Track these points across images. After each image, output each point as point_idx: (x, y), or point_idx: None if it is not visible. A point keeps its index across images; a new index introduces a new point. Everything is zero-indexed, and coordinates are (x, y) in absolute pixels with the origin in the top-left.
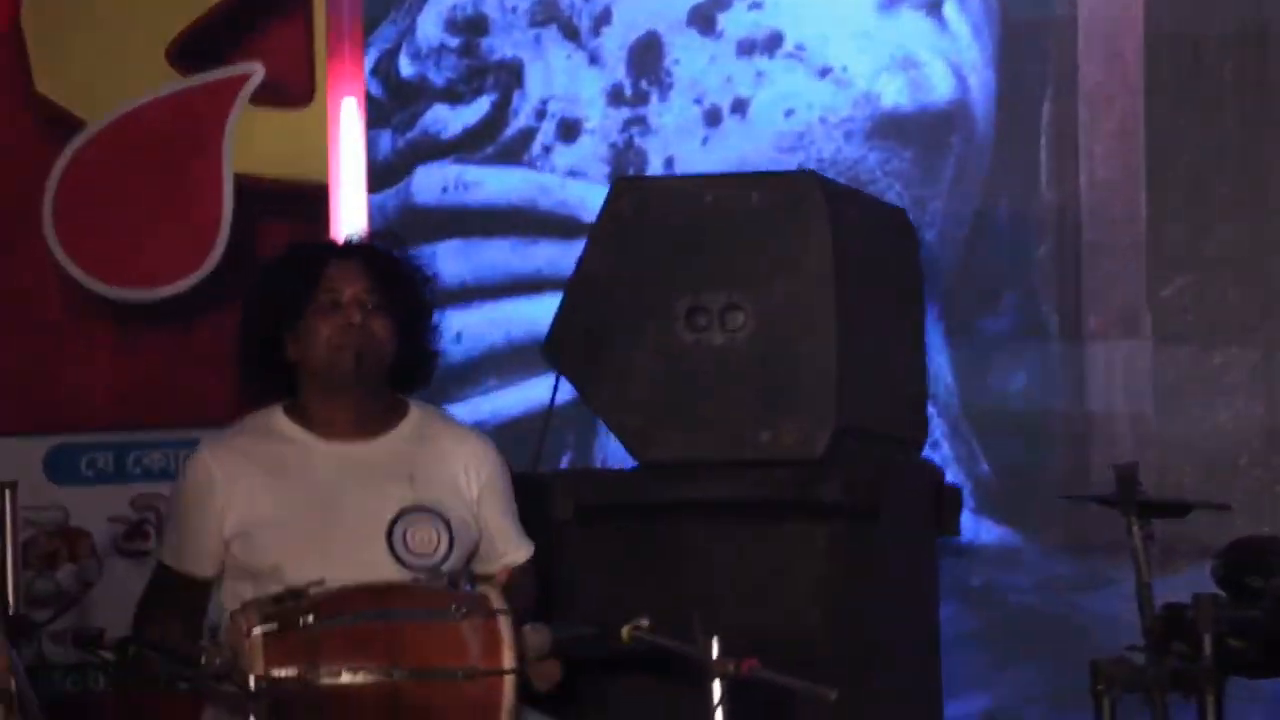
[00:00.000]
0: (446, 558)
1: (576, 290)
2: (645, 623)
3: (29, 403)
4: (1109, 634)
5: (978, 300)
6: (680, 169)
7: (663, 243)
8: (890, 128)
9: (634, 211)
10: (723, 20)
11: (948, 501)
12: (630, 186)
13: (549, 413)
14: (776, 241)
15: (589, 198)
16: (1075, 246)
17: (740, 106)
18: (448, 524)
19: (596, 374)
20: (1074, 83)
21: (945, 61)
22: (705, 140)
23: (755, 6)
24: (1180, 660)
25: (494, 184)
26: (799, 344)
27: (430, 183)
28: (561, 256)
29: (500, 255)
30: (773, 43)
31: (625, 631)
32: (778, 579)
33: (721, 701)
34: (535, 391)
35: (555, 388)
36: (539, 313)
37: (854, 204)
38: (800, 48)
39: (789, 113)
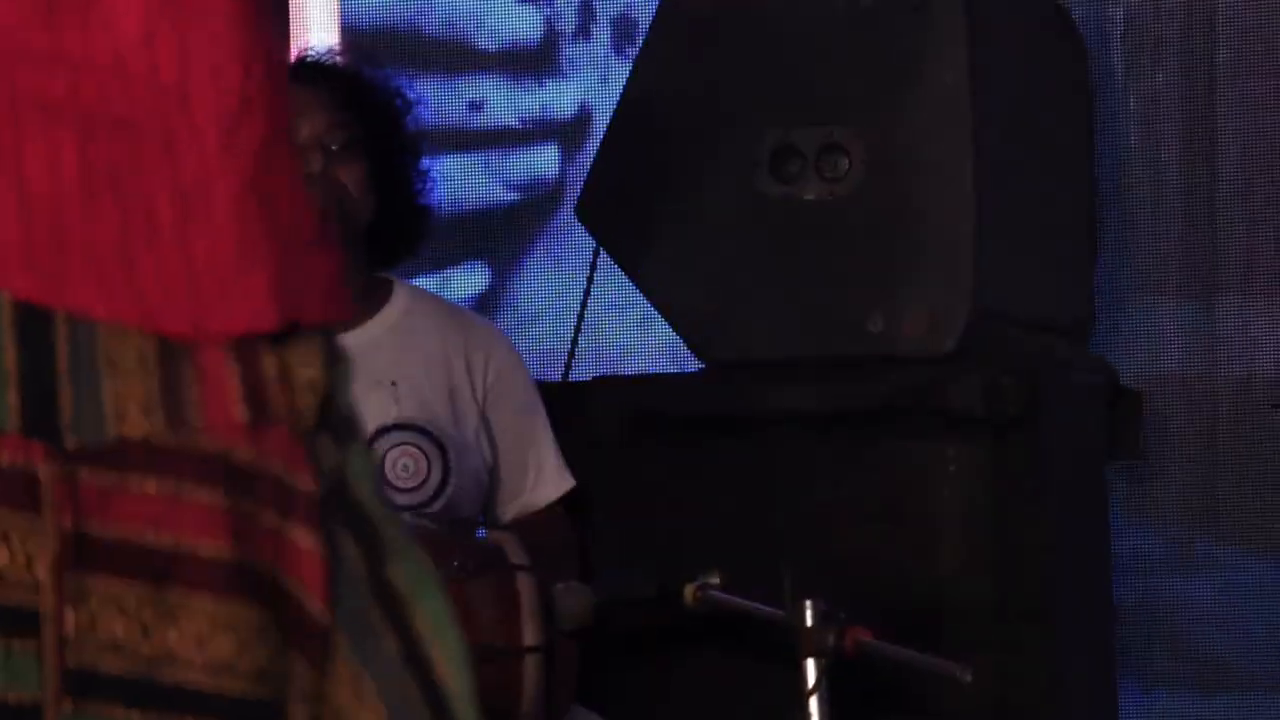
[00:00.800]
0: (440, 492)
1: (622, 128)
2: (715, 579)
3: None
4: (1199, 627)
5: None
6: None
7: (739, 61)
8: None
9: (700, 18)
10: None
11: (1123, 410)
12: None
13: (585, 300)
14: (895, 56)
15: (488, 16)
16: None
17: None
18: (440, 446)
19: (647, 242)
20: None
21: None
22: None
23: None
24: None
25: None
26: (924, 197)
27: None
28: (447, 99)
29: None
30: None
31: (689, 591)
32: (895, 516)
33: (819, 684)
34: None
35: (593, 264)
36: None
37: (1000, 1)
38: None
39: None
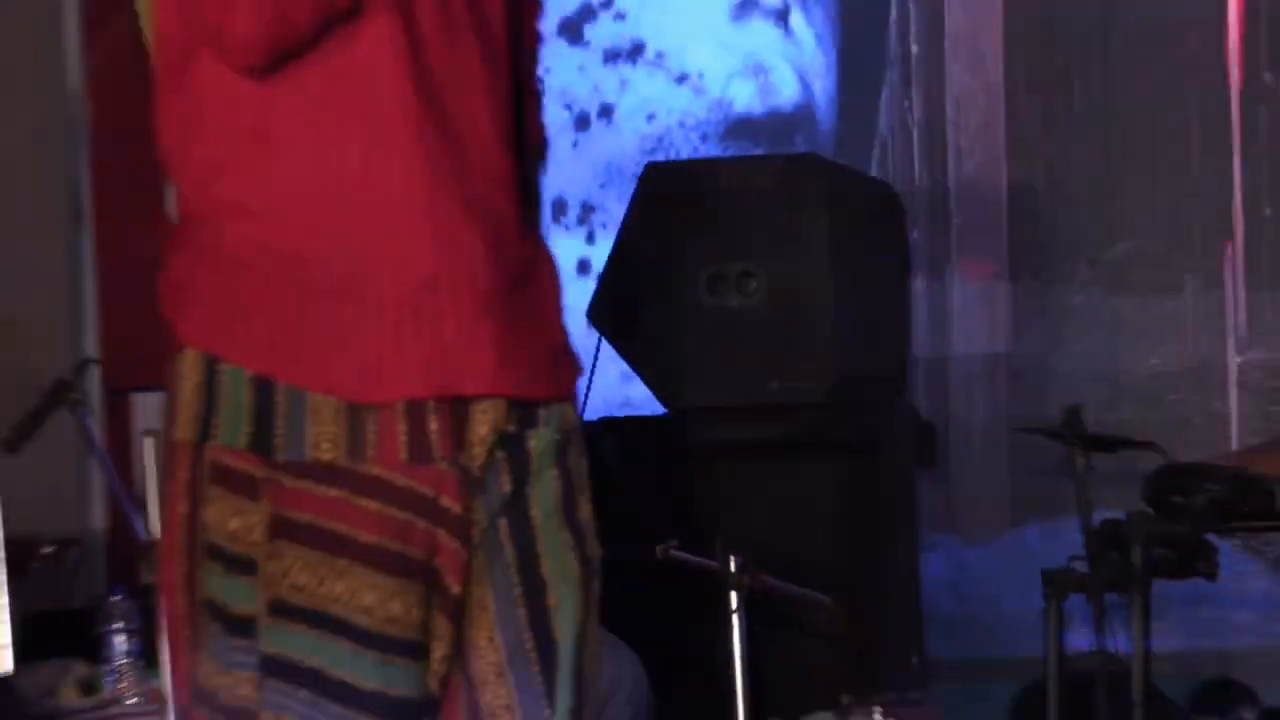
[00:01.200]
0: None
1: (615, 262)
2: (676, 542)
3: None
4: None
5: None
6: (553, 170)
7: (688, 219)
8: (742, 129)
9: (662, 192)
10: (590, 31)
11: (925, 437)
12: (659, 170)
13: (593, 367)
14: (783, 217)
15: None
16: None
17: (606, 111)
18: None
19: (632, 333)
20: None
21: (791, 67)
22: (575, 144)
23: (619, 17)
24: (1115, 567)
25: None
26: (803, 306)
27: None
28: None
29: None
30: (635, 51)
31: (659, 550)
32: (791, 509)
33: (739, 608)
34: None
35: (597, 348)
36: None
37: (849, 182)
38: (660, 55)
39: (650, 117)
